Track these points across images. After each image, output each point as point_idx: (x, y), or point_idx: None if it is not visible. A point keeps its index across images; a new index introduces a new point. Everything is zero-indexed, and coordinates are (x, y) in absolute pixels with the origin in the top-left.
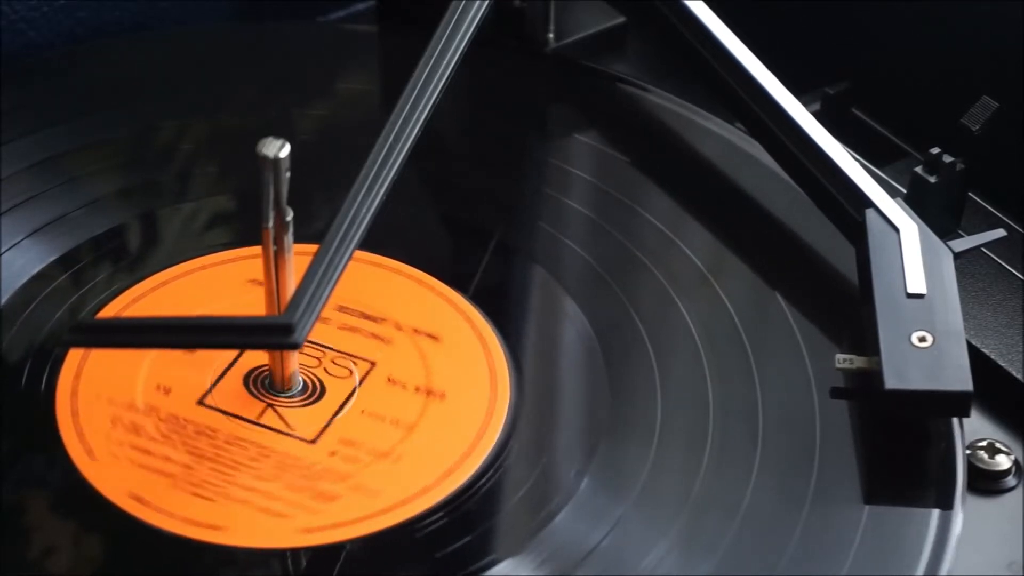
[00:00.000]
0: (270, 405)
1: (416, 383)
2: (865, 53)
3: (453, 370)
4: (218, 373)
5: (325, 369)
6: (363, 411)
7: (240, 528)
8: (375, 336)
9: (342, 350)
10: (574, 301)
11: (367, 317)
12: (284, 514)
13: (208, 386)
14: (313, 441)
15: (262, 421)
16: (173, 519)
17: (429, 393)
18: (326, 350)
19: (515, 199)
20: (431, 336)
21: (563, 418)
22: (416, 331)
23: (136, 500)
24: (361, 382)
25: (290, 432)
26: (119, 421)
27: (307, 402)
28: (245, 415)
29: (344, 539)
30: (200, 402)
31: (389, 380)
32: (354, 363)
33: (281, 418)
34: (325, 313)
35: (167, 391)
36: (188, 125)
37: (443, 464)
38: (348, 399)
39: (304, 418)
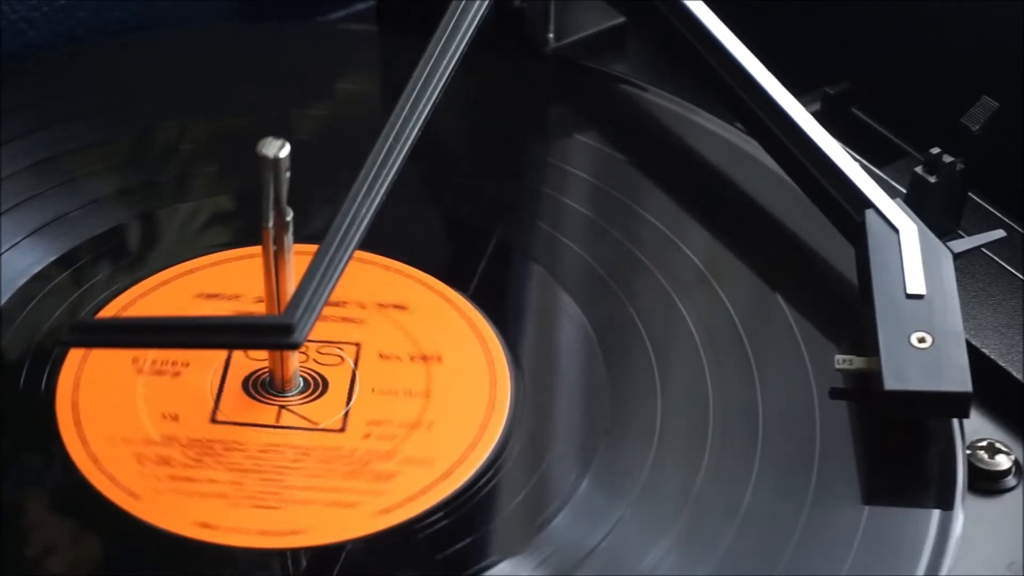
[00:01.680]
0: (282, 406)
1: (409, 352)
2: (865, 53)
3: (436, 333)
4: (215, 388)
5: (316, 361)
6: (373, 390)
7: (318, 527)
8: (346, 319)
9: (322, 339)
10: (574, 301)
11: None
12: (353, 503)
13: (212, 403)
14: (342, 430)
15: (282, 423)
16: (247, 535)
17: (425, 359)
18: (307, 343)
19: (515, 199)
20: (399, 307)
21: (563, 418)
22: (381, 305)
23: (203, 527)
24: (356, 364)
25: (316, 427)
26: (145, 458)
27: (315, 396)
28: (263, 421)
29: (420, 511)
30: (213, 420)
31: (381, 356)
32: (340, 348)
33: (300, 416)
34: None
35: (175, 418)
36: (188, 125)
37: (475, 418)
38: (353, 383)
39: (321, 411)
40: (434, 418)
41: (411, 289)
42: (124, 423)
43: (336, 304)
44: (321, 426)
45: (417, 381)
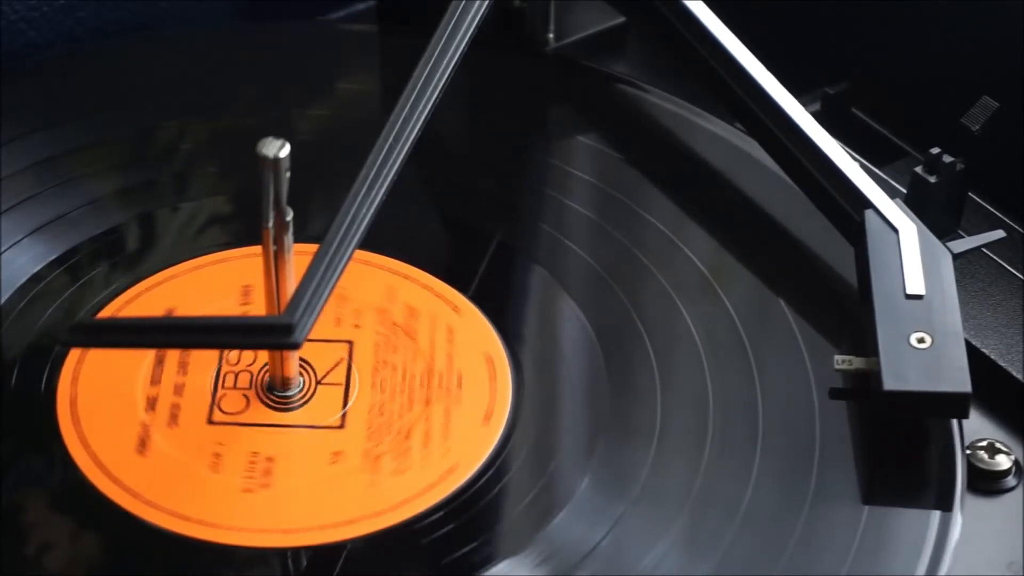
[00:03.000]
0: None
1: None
2: (865, 53)
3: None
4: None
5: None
6: (372, 386)
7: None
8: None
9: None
10: (575, 302)
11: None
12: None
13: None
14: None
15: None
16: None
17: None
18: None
19: (515, 199)
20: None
21: (563, 418)
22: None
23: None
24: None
25: (317, 424)
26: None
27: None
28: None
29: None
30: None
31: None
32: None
33: (300, 414)
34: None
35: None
36: (188, 125)
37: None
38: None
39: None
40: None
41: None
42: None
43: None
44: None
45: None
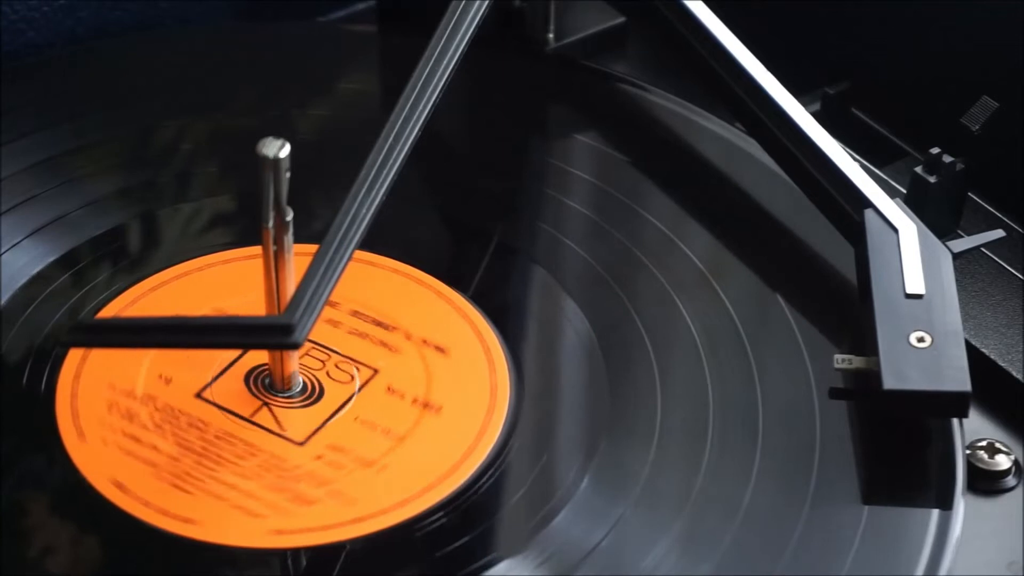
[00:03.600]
0: (266, 404)
1: (415, 395)
2: (865, 53)
3: (455, 383)
4: (221, 367)
5: (328, 372)
6: (356, 418)
7: (212, 523)
8: (384, 344)
9: (348, 355)
10: (574, 301)
11: (379, 324)
12: (258, 514)
13: (209, 380)
14: (302, 443)
15: (255, 419)
16: (148, 508)
17: (426, 406)
18: (332, 353)
19: (515, 199)
20: (439, 349)
21: (563, 418)
22: (425, 342)
23: (116, 486)
24: (360, 389)
25: (280, 433)
26: (116, 407)
27: (303, 404)
28: (239, 412)
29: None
30: (198, 395)
31: (389, 389)
32: (357, 368)
33: (274, 418)
34: (337, 316)
35: (168, 381)
36: (188, 125)
37: (426, 479)
38: (344, 404)
39: (297, 420)
40: (390, 463)
41: (453, 325)
42: (122, 370)
43: (385, 327)
44: (284, 434)
45: (403, 423)
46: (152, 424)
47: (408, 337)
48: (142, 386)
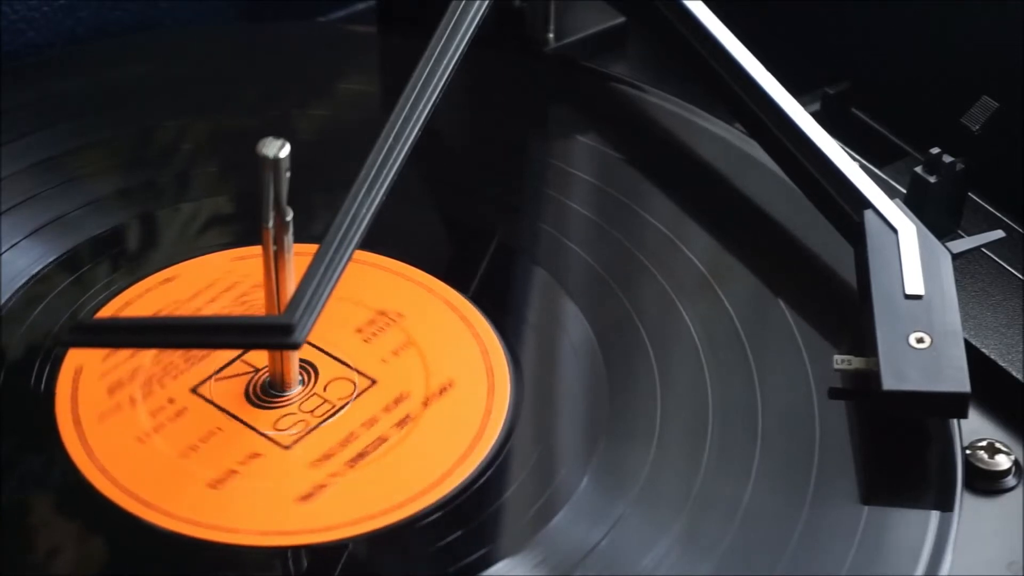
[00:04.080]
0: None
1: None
2: (865, 53)
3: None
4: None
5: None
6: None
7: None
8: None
9: (348, 357)
10: (574, 302)
11: (380, 326)
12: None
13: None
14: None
15: (254, 419)
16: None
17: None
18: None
19: (515, 199)
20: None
21: (563, 418)
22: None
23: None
24: (360, 390)
25: (278, 432)
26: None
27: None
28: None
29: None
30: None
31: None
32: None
33: (273, 418)
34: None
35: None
36: (188, 125)
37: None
38: (341, 408)
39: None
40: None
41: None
42: (124, 423)
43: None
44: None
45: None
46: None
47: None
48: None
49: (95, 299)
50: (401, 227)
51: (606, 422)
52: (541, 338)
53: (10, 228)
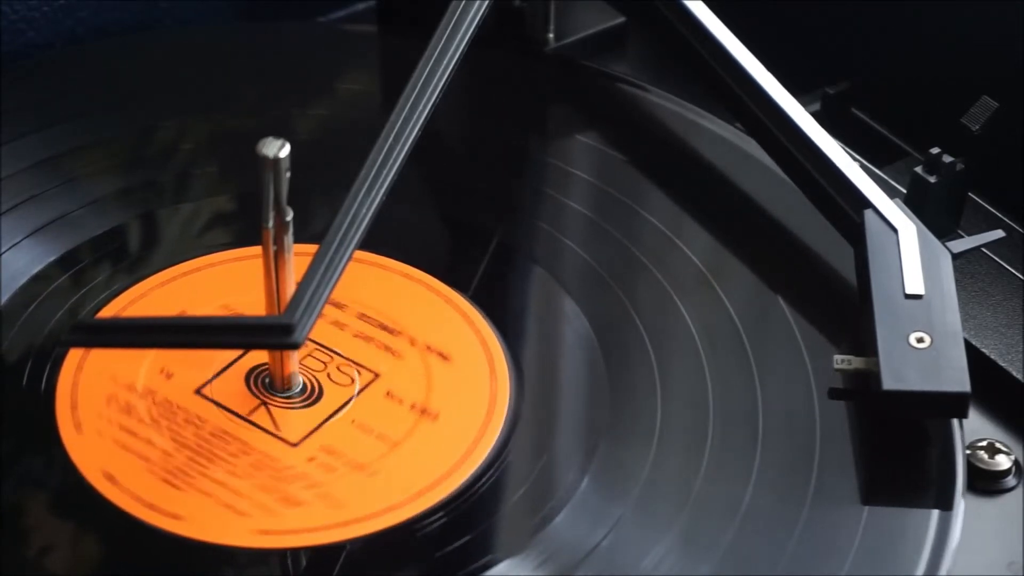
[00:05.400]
0: (264, 403)
1: (413, 400)
2: (865, 53)
3: (454, 384)
4: (223, 365)
5: (328, 375)
6: (353, 421)
7: (197, 520)
8: (387, 348)
9: (350, 357)
10: (574, 301)
11: (385, 328)
12: (245, 512)
13: (210, 376)
14: (295, 444)
15: (252, 418)
16: (139, 503)
17: (423, 412)
18: (334, 355)
19: (515, 199)
20: (442, 355)
21: (563, 418)
22: (429, 348)
23: (108, 479)
24: (360, 392)
25: (276, 433)
26: (115, 400)
27: (301, 405)
28: (237, 410)
29: (298, 546)
30: (198, 391)
31: (388, 394)
32: (358, 372)
33: (271, 418)
34: (340, 318)
35: (169, 376)
36: (188, 125)
37: (423, 481)
38: (342, 407)
39: (293, 420)
40: (382, 469)
41: (455, 328)
42: (125, 363)
43: (390, 331)
44: (279, 434)
45: (398, 429)
46: (149, 419)
47: (410, 340)
48: (143, 380)
49: (95, 299)
50: (401, 227)
51: (606, 422)
52: (541, 338)
53: (10, 228)
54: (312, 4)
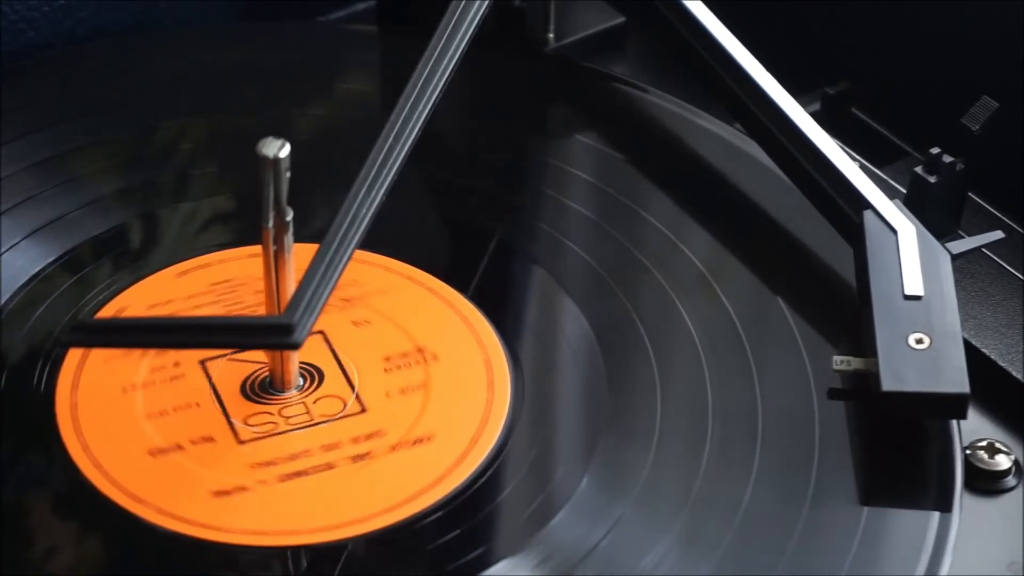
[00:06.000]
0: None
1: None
2: (865, 53)
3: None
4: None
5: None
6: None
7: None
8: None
9: (349, 357)
10: (574, 301)
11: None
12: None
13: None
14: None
15: (251, 419)
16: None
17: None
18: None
19: (515, 199)
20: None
21: (563, 418)
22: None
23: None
24: (360, 392)
25: (274, 433)
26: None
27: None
28: (237, 410)
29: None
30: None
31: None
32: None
33: (270, 418)
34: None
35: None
36: (188, 125)
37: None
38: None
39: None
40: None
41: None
42: (124, 423)
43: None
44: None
45: (400, 426)
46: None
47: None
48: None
49: (95, 299)
50: (401, 227)
51: (606, 422)
52: (541, 338)
53: (10, 228)
54: (312, 4)
